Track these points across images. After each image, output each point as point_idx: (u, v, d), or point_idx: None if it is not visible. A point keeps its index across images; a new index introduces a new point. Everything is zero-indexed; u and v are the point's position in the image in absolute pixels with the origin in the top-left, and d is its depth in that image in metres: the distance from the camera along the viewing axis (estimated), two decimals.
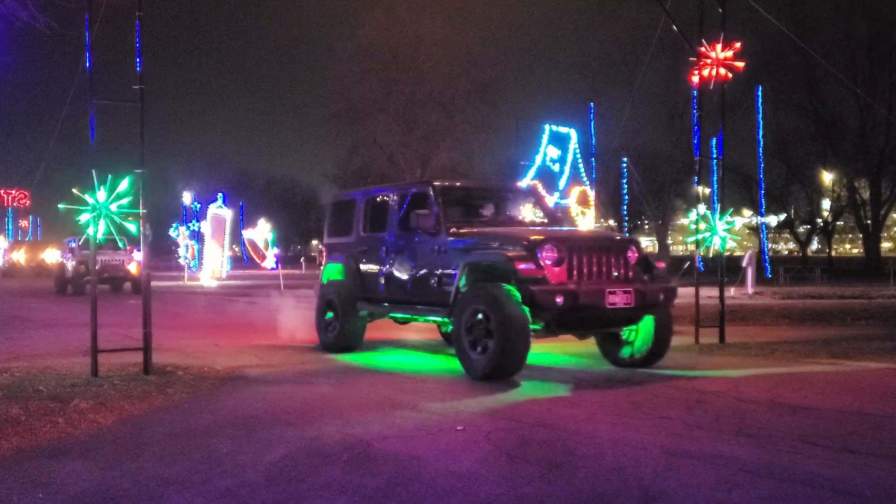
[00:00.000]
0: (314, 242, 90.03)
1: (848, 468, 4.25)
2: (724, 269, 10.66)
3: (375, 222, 9.54)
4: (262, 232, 33.66)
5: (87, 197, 7.46)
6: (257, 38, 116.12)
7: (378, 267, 9.23)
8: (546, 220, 9.75)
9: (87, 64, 7.52)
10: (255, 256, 34.26)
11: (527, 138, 28.36)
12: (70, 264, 23.46)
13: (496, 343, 7.06)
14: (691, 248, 13.35)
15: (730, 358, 8.78)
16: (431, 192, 8.65)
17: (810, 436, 4.95)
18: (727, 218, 10.61)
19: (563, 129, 27.90)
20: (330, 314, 9.74)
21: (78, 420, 5.63)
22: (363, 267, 9.52)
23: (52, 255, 31.52)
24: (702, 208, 11.01)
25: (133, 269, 22.43)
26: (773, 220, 50.64)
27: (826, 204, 44.65)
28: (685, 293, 10.92)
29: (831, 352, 9.19)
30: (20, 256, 38.21)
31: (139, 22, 7.65)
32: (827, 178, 41.64)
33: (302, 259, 51.71)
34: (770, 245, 58.68)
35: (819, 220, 45.46)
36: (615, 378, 7.47)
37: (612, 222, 42.26)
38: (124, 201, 7.57)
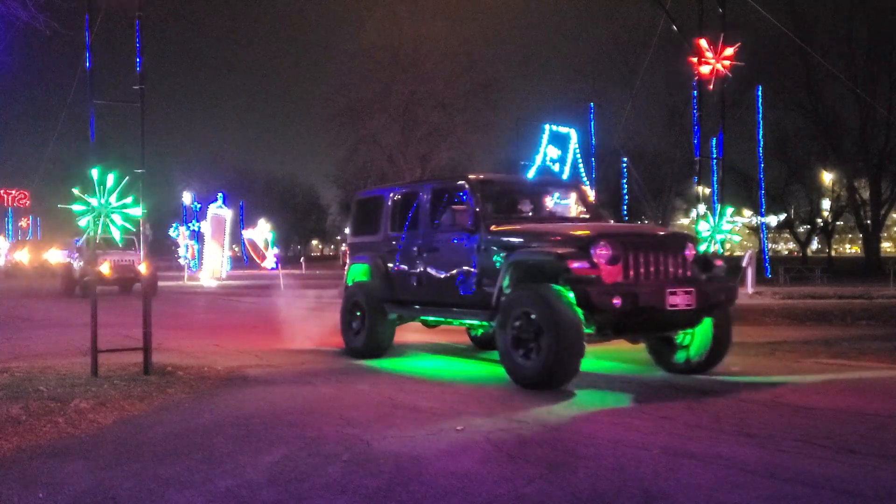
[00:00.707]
0: (314, 242, 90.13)
1: (849, 468, 4.24)
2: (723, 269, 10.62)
3: (405, 220, 9.00)
4: (262, 232, 33.68)
5: (87, 197, 7.47)
6: (258, 38, 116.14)
7: (409, 267, 8.73)
8: (588, 216, 9.10)
9: (87, 64, 7.53)
10: (255, 256, 34.27)
11: (527, 138, 28.37)
12: (78, 265, 22.68)
13: (548, 349, 6.51)
14: None
15: (730, 358, 8.76)
16: (468, 187, 8.16)
17: (811, 436, 4.94)
18: (728, 217, 10.59)
19: (563, 129, 27.90)
20: (357, 317, 9.23)
21: (78, 420, 5.63)
22: (392, 267, 9.00)
23: (55, 256, 31.30)
24: (702, 208, 11.01)
25: (144, 269, 21.69)
26: (773, 220, 50.60)
27: (826, 204, 44.63)
28: None
29: (832, 352, 9.19)
30: (23, 256, 37.91)
31: (139, 22, 7.65)
32: (827, 178, 41.63)
33: (302, 259, 51.68)
34: (770, 245, 58.67)
35: (819, 220, 45.44)
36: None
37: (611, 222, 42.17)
38: (127, 200, 7.57)
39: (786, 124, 41.10)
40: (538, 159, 27.04)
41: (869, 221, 40.42)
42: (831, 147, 39.76)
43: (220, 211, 32.54)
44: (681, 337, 7.52)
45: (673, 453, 4.57)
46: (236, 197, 47.56)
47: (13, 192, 59.32)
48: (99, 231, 7.61)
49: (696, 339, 7.48)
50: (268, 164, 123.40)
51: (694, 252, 7.39)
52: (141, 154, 7.76)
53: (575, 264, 6.70)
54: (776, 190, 41.65)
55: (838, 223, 48.39)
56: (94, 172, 7.52)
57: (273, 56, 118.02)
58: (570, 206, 9.35)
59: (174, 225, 36.15)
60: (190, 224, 34.86)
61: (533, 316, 6.72)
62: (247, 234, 35.89)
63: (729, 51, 13.97)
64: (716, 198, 16.57)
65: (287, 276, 27.34)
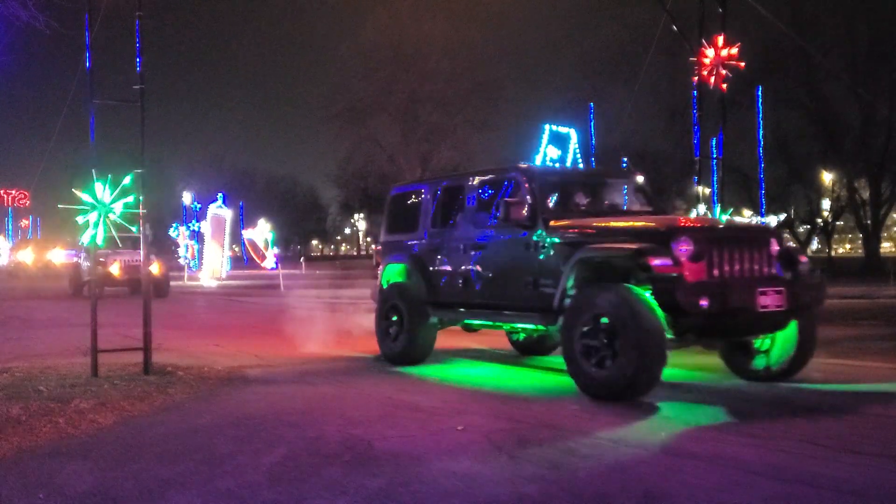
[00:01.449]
0: (314, 242, 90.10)
1: (850, 468, 4.23)
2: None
3: (448, 215, 8.36)
4: (262, 232, 33.65)
5: (87, 196, 7.46)
6: (258, 38, 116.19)
7: (453, 267, 8.09)
8: (651, 210, 8.30)
9: (87, 64, 7.53)
10: (255, 256, 34.24)
11: (527, 138, 28.38)
12: (85, 265, 22.47)
13: (626, 356, 5.89)
14: None
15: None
16: (523, 178, 7.49)
17: (812, 436, 4.93)
18: (730, 217, 10.57)
19: (563, 129, 27.89)
20: (394, 322, 8.52)
21: (78, 420, 5.62)
22: (433, 267, 8.35)
23: (58, 256, 31.15)
24: (702, 208, 10.99)
25: (155, 269, 20.22)
26: (773, 220, 50.61)
27: (826, 204, 44.63)
28: None
29: (833, 351, 9.16)
30: (27, 256, 37.65)
31: (139, 22, 7.64)
32: (827, 178, 41.62)
33: (302, 259, 51.65)
34: None
35: (819, 220, 45.43)
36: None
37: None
38: (129, 199, 7.56)
39: (786, 124, 41.09)
40: (538, 159, 27.02)
41: (869, 221, 40.42)
42: (831, 147, 39.75)
43: (221, 211, 32.53)
44: (759, 342, 6.85)
45: (674, 453, 4.55)
46: (236, 197, 47.51)
47: (13, 192, 59.32)
48: (103, 231, 7.58)
49: (776, 343, 6.79)
50: (268, 164, 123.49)
51: (778, 248, 6.79)
52: (141, 154, 7.75)
53: (656, 261, 6.08)
54: (776, 190, 41.61)
55: (838, 223, 48.39)
56: (94, 172, 7.50)
57: (273, 56, 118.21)
58: (629, 199, 8.50)
59: (174, 225, 36.15)
60: (190, 224, 34.84)
61: (604, 319, 6.11)
62: (247, 234, 35.85)
63: (730, 51, 13.99)
64: (716, 198, 16.57)
65: (287, 276, 27.33)
